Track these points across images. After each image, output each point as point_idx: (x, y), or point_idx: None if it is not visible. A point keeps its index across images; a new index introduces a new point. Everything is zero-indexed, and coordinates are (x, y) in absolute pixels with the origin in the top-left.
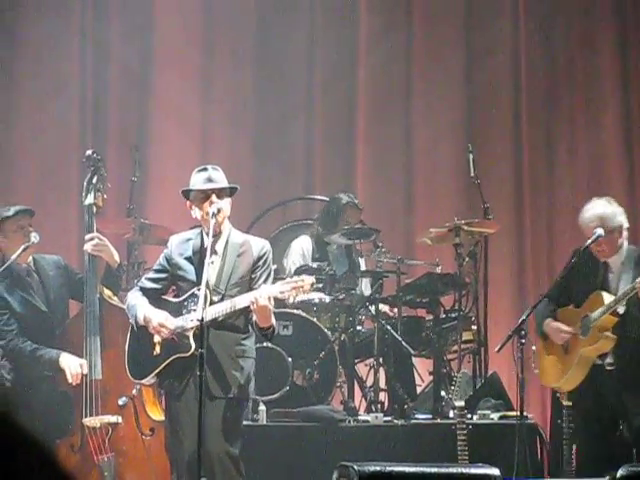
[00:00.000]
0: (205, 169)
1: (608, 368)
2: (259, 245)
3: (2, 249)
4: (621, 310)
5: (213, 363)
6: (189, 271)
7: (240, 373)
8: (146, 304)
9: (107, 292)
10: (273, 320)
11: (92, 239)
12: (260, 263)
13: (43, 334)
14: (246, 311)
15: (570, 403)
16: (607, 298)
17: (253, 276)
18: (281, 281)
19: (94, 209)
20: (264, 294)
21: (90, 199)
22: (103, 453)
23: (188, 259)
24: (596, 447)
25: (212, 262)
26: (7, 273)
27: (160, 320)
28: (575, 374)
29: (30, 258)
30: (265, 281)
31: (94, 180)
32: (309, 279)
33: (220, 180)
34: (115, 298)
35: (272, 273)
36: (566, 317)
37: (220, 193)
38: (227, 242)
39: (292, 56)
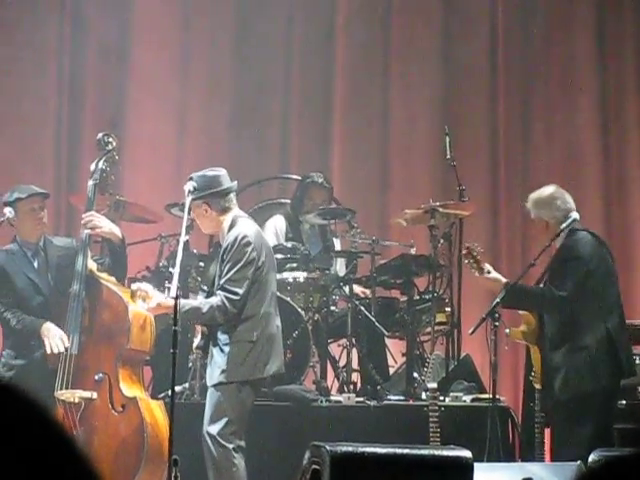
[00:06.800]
0: None
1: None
2: (228, 239)
3: (16, 228)
4: None
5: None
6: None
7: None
8: None
9: (92, 266)
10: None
11: (88, 217)
12: (224, 256)
13: (38, 312)
14: None
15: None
16: None
17: (219, 272)
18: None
19: (95, 189)
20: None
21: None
22: (75, 427)
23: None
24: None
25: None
26: (16, 249)
27: None
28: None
29: (42, 238)
30: (226, 274)
31: (101, 162)
32: (145, 287)
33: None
34: (104, 274)
35: (234, 262)
36: None
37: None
38: (225, 239)
39: (270, 35)
